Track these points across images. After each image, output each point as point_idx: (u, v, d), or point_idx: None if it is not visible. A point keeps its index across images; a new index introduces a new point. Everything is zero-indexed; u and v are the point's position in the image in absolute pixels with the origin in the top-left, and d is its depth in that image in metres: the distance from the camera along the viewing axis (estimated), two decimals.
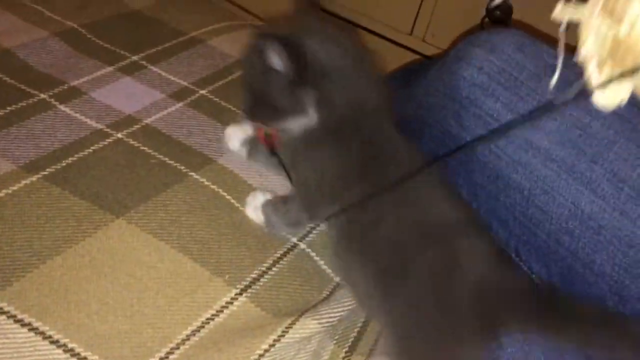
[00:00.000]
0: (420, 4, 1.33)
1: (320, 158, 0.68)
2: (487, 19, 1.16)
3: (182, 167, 0.72)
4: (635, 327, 0.54)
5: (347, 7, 1.40)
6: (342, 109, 0.67)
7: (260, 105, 0.70)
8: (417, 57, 1.38)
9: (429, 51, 1.38)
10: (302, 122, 0.68)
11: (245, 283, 0.64)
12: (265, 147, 0.73)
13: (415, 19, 1.35)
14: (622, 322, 0.55)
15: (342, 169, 0.66)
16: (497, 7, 1.12)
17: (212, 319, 0.60)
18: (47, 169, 0.66)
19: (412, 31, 1.37)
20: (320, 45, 0.66)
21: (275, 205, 0.69)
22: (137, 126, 0.75)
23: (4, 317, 0.53)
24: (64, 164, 0.67)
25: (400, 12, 1.36)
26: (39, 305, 0.55)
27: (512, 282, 0.59)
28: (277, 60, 0.64)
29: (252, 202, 0.70)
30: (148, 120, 0.76)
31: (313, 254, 0.69)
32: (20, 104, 0.72)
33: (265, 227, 0.69)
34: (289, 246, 0.69)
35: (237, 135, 0.77)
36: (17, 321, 0.53)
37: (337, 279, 0.69)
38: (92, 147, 0.70)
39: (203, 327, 0.59)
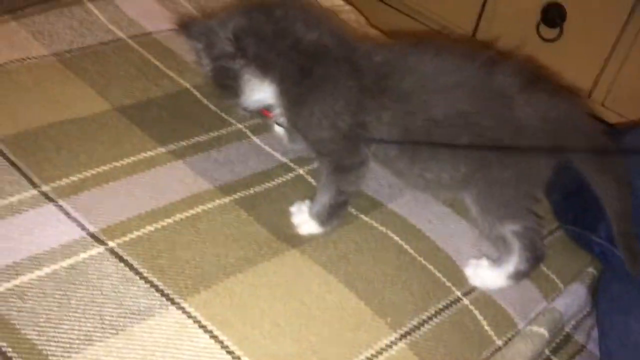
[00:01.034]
0: (604, 66, 1.28)
1: (314, 107, 0.69)
2: None
3: (353, 210, 0.76)
4: None
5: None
6: (292, 56, 0.68)
7: (221, 88, 0.73)
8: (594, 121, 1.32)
9: (607, 116, 1.31)
10: (263, 92, 0.71)
11: (405, 329, 0.64)
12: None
13: (596, 81, 1.30)
14: None
15: (343, 100, 0.68)
16: None
17: None
18: (238, 193, 0.73)
19: (590, 94, 1.32)
20: (233, 21, 0.69)
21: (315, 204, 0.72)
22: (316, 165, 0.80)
23: (190, 321, 0.59)
24: (251, 192, 0.74)
25: (580, 74, 1.31)
26: (221, 315, 0.60)
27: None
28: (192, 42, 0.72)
29: (299, 216, 0.72)
30: None
31: (476, 312, 0.68)
32: (221, 131, 0.80)
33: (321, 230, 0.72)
34: (453, 299, 0.69)
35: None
36: (201, 327, 0.59)
37: (499, 342, 0.67)
38: (276, 180, 0.77)
39: None
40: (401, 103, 0.68)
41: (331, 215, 0.71)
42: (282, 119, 0.73)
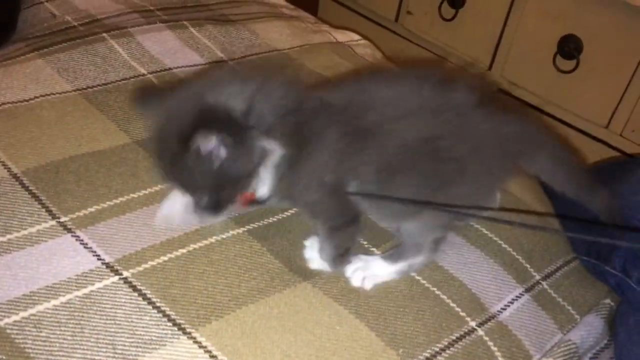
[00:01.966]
0: (622, 96, 1.27)
1: (302, 171, 0.66)
2: None
3: (365, 242, 0.76)
4: None
5: (537, 95, 1.39)
6: (292, 122, 0.65)
7: (224, 188, 0.65)
8: (613, 151, 1.31)
9: (625, 147, 1.30)
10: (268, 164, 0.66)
11: None
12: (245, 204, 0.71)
13: (614, 112, 1.30)
14: None
15: (326, 154, 0.66)
16: None
17: None
18: (252, 224, 0.74)
19: (608, 124, 1.31)
20: (225, 97, 0.64)
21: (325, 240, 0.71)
22: None
23: (201, 351, 0.59)
24: (265, 222, 0.75)
25: (597, 104, 1.31)
26: (231, 345, 0.60)
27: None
28: (217, 147, 0.62)
29: (311, 251, 0.72)
30: None
31: (490, 343, 0.67)
32: None
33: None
34: (467, 330, 0.68)
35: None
36: (212, 357, 0.59)
37: None
38: (290, 211, 0.77)
39: None
40: (371, 139, 0.66)
41: (337, 261, 0.71)
42: (271, 199, 0.70)
